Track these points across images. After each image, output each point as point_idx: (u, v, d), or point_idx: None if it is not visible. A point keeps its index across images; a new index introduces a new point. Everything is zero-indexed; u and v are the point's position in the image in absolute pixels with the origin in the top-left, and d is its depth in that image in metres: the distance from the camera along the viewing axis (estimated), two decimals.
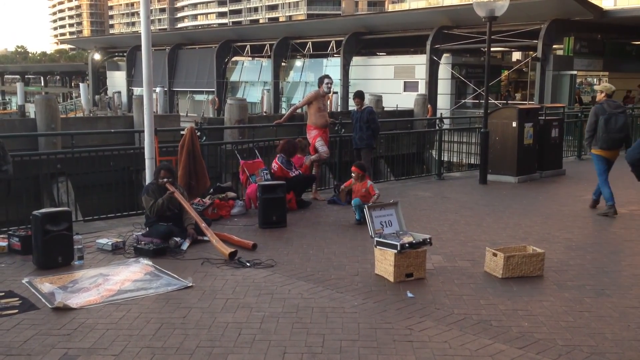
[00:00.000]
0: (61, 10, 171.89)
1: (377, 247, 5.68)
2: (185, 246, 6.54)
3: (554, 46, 28.15)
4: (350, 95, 33.86)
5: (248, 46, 41.69)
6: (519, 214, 8.53)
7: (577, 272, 5.86)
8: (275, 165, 8.95)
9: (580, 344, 4.22)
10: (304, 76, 39.32)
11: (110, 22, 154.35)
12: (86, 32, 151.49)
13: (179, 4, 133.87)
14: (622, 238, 7.25)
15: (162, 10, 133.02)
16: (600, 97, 8.77)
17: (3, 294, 5.17)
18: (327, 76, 9.98)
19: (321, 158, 9.78)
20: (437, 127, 13.11)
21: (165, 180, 6.89)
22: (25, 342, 4.21)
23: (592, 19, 26.11)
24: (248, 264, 5.96)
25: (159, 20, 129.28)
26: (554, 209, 8.93)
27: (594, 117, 8.53)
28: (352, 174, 8.06)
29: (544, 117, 12.42)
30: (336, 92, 33.22)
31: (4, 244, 6.44)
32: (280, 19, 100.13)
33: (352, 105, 33.90)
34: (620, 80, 30.78)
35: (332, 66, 36.75)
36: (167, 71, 45.22)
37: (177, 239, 6.57)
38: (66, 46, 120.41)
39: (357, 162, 8.37)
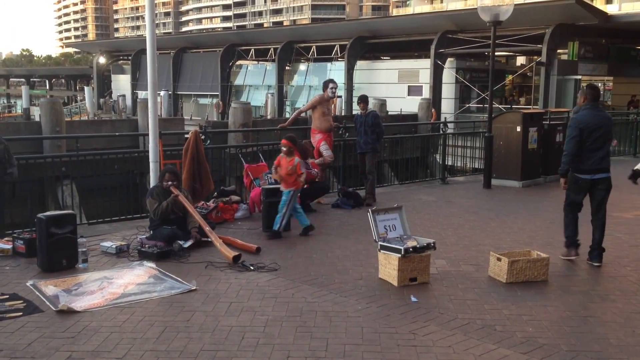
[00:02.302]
0: (66, 14, 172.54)
1: (381, 251, 5.67)
2: (187, 244, 6.54)
3: (559, 51, 28.12)
4: (355, 100, 33.96)
5: (252, 50, 41.76)
6: (523, 219, 8.51)
7: (581, 277, 5.85)
8: None
9: (585, 349, 4.21)
10: (308, 80, 39.35)
11: (115, 25, 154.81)
12: (91, 35, 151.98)
13: (183, 8, 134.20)
14: (627, 243, 7.23)
15: (167, 14, 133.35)
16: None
17: (7, 296, 5.18)
18: (331, 80, 9.98)
19: (325, 162, 9.79)
20: (441, 132, 13.12)
21: (169, 183, 6.90)
22: (30, 345, 4.21)
23: (596, 24, 26.08)
24: (252, 268, 5.96)
25: (164, 24, 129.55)
26: (558, 214, 8.85)
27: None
28: (282, 148, 7.48)
29: (548, 122, 12.40)
30: (340, 96, 33.23)
31: (9, 246, 6.45)
32: (285, 23, 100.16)
33: (355, 109, 33.66)
34: (624, 85, 30.81)
35: (336, 70, 36.75)
36: (172, 75, 45.29)
37: (181, 242, 6.58)
38: (71, 50, 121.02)
39: (288, 135, 7.83)
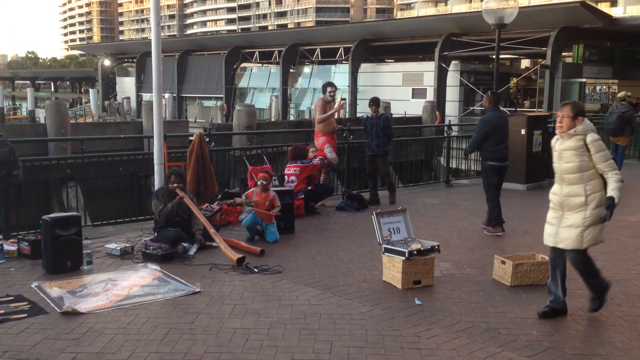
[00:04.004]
0: (71, 17, 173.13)
1: (385, 254, 5.67)
2: (192, 251, 6.55)
3: (563, 54, 28.09)
4: (359, 102, 33.96)
5: (257, 53, 41.87)
6: (527, 222, 8.49)
7: None
8: (296, 169, 8.91)
9: (590, 352, 4.20)
10: (313, 82, 39.41)
11: (120, 28, 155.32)
12: (96, 38, 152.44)
13: (188, 11, 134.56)
14: (631, 246, 7.21)
15: (172, 16, 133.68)
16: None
17: (12, 298, 5.19)
18: (330, 84, 9.93)
19: (330, 165, 9.80)
20: (445, 134, 13.10)
21: (175, 185, 6.92)
22: (34, 346, 4.22)
23: (601, 27, 26.06)
24: (256, 270, 5.97)
25: (169, 26, 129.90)
26: None
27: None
28: (263, 182, 7.35)
29: (553, 125, 12.37)
30: (344, 99, 33.25)
31: (14, 248, 6.47)
32: (289, 26, 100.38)
33: (360, 112, 33.45)
34: (629, 88, 30.70)
35: (340, 73, 36.81)
36: (176, 77, 45.45)
37: (185, 245, 6.59)
38: (76, 52, 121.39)
39: (265, 169, 7.64)
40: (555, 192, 4.83)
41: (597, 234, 4.69)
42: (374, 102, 9.71)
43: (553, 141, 4.91)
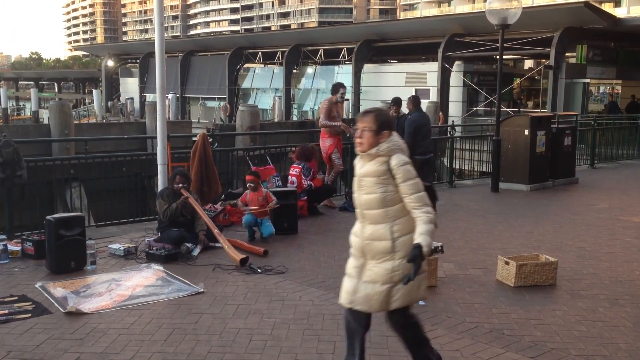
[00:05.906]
0: (75, 17, 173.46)
1: None
2: (196, 252, 6.57)
3: (567, 54, 28.02)
4: (362, 103, 33.90)
5: (260, 53, 41.86)
6: (531, 222, 8.48)
7: (590, 281, 5.82)
8: (296, 170, 8.95)
9: (594, 353, 4.19)
10: (316, 83, 39.37)
11: (124, 29, 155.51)
12: (100, 38, 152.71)
13: (191, 11, 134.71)
14: (635, 247, 7.19)
15: (175, 17, 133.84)
16: None
17: (16, 298, 5.21)
18: (342, 85, 9.84)
19: (337, 171, 9.71)
20: (448, 135, 13.09)
21: (180, 185, 6.93)
22: (38, 347, 4.23)
23: (605, 27, 25.98)
24: (259, 270, 5.97)
25: (172, 27, 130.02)
26: (567, 218, 8.87)
27: None
28: (250, 184, 7.44)
29: (556, 125, 12.36)
30: (347, 99, 33.22)
31: (18, 248, 6.49)
32: (292, 26, 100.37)
33: None
34: (633, 89, 30.69)
35: (343, 73, 36.75)
36: (180, 78, 45.45)
37: (189, 245, 6.60)
38: (80, 53, 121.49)
39: (251, 171, 7.81)
40: (356, 232, 3.61)
41: (413, 290, 3.44)
42: (395, 102, 9.73)
43: (355, 161, 3.66)
